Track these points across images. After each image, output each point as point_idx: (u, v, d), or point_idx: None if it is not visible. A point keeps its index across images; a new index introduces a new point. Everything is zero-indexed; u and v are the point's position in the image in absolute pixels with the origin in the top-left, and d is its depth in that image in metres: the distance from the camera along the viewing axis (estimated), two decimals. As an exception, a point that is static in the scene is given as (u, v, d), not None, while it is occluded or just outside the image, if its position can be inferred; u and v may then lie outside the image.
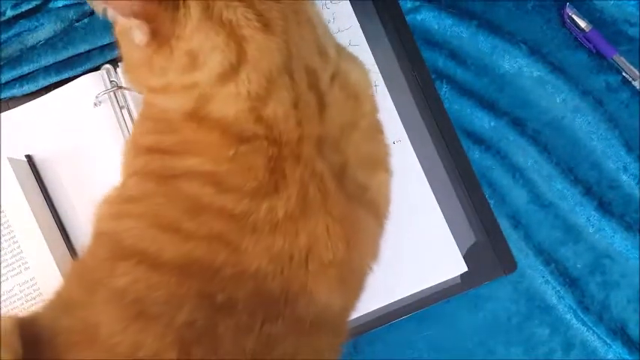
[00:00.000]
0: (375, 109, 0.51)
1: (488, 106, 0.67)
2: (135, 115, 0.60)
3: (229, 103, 0.42)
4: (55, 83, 0.62)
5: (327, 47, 0.46)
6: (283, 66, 0.42)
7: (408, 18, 0.66)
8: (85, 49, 0.63)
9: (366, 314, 0.58)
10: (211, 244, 0.41)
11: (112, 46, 0.63)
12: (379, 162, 0.50)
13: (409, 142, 0.62)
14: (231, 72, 0.41)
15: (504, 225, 0.63)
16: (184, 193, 0.43)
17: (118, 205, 0.47)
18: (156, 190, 0.44)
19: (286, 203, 0.42)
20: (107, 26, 0.63)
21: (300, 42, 0.43)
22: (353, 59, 0.51)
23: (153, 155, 0.46)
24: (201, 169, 0.43)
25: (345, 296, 0.46)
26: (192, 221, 0.42)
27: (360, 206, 0.46)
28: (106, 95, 0.60)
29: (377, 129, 0.51)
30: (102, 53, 0.63)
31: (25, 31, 0.64)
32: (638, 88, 0.67)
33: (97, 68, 0.62)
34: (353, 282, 0.47)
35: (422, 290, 0.60)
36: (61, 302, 0.45)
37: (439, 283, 0.60)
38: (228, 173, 0.42)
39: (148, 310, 0.40)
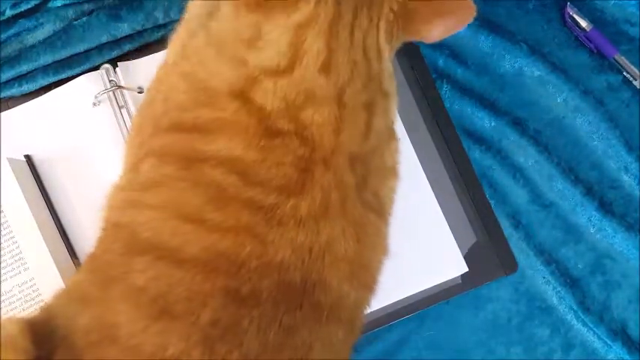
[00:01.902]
0: (395, 119, 0.52)
1: (489, 105, 0.66)
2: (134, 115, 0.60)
3: (267, 96, 0.43)
4: (54, 83, 0.62)
5: (386, 85, 0.47)
6: (331, 97, 0.43)
7: (408, 17, 0.66)
8: (84, 49, 0.63)
9: (366, 314, 0.58)
10: (238, 236, 0.41)
11: (111, 45, 0.63)
12: (391, 169, 0.50)
13: (409, 142, 0.62)
14: (274, 72, 0.42)
15: (505, 225, 0.63)
16: (208, 179, 0.42)
17: (133, 192, 0.46)
18: (176, 175, 0.43)
19: (310, 204, 0.42)
20: (106, 25, 0.63)
21: (358, 81, 0.44)
22: (396, 99, 0.51)
23: (180, 134, 0.45)
24: (229, 153, 0.42)
25: (358, 288, 0.46)
26: (218, 212, 0.41)
27: (372, 212, 0.47)
28: (105, 95, 0.60)
29: (394, 136, 0.51)
30: (100, 53, 0.63)
31: (25, 30, 0.63)
32: (638, 87, 0.67)
33: (96, 68, 0.62)
34: (364, 276, 0.47)
35: (422, 290, 0.60)
36: (75, 298, 0.44)
37: (440, 284, 0.60)
38: (256, 165, 0.42)
39: (171, 309, 0.40)
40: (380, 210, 0.48)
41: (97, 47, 0.63)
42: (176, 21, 0.63)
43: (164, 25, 0.64)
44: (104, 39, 0.63)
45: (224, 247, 0.41)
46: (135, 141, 0.52)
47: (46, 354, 0.40)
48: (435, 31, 0.46)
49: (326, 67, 0.42)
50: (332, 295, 0.43)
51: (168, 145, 0.45)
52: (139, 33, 0.63)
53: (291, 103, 0.42)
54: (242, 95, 0.43)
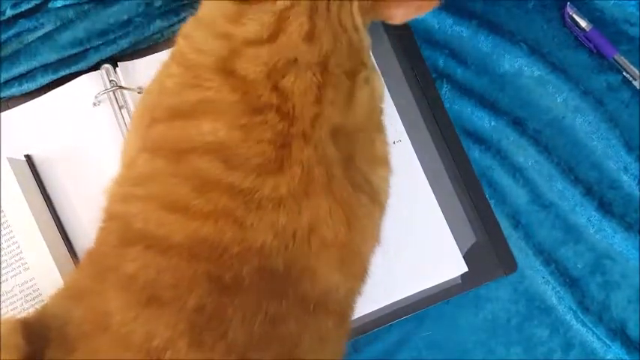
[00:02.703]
0: (383, 111, 0.52)
1: (489, 105, 0.66)
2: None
3: (250, 63, 0.44)
4: (55, 82, 0.62)
5: (365, 58, 0.49)
6: (314, 62, 0.44)
7: (408, 17, 0.66)
8: (83, 46, 0.63)
9: (366, 314, 0.58)
10: (218, 221, 0.41)
11: (108, 43, 0.63)
12: (381, 159, 0.50)
13: (409, 142, 0.62)
14: (258, 41, 0.44)
15: (504, 225, 0.63)
16: (195, 169, 0.43)
17: (126, 187, 0.47)
18: (166, 169, 0.44)
19: (290, 181, 0.42)
20: (101, 12, 0.63)
21: (342, 51, 0.46)
22: (378, 73, 0.54)
23: (170, 123, 0.46)
24: (214, 137, 0.43)
25: (348, 277, 0.46)
26: (200, 198, 0.42)
27: (363, 193, 0.46)
28: (105, 95, 0.60)
29: (383, 128, 0.52)
30: (97, 51, 0.63)
31: (25, 31, 0.63)
32: (638, 87, 0.67)
33: (95, 67, 0.62)
34: (354, 264, 0.47)
35: (422, 290, 0.60)
36: (72, 292, 0.45)
37: (439, 284, 0.60)
38: (238, 145, 0.42)
39: (159, 296, 0.40)
40: (373, 195, 0.48)
41: (94, 45, 0.63)
42: (170, 11, 0.64)
43: (158, 16, 0.64)
44: (102, 38, 0.63)
45: (205, 233, 0.41)
46: (132, 136, 0.53)
47: (41, 349, 0.41)
48: (399, 12, 0.49)
49: (309, 36, 0.44)
50: (320, 284, 0.43)
51: (160, 138, 0.46)
52: (135, 27, 0.63)
53: (273, 68, 0.43)
54: (225, 68, 0.44)
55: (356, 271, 0.47)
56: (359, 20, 0.47)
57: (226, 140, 0.43)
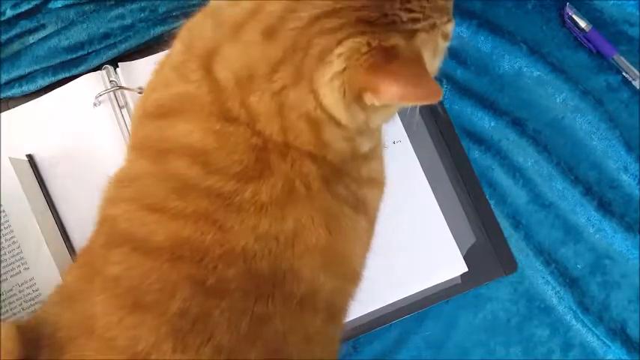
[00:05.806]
0: (379, 138, 0.50)
1: (489, 106, 0.67)
2: (135, 115, 0.60)
3: (222, 66, 0.42)
4: (55, 83, 0.62)
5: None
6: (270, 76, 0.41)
7: (408, 18, 0.66)
8: (84, 50, 0.63)
9: (366, 314, 0.58)
10: (198, 222, 0.41)
11: (110, 47, 0.63)
12: (375, 179, 0.50)
13: (409, 142, 0.62)
14: (234, 33, 0.41)
15: (504, 225, 0.63)
16: (174, 170, 0.43)
17: (117, 188, 0.47)
18: (147, 169, 0.44)
19: (271, 189, 0.42)
20: (104, 16, 0.63)
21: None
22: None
23: (155, 122, 0.45)
24: (189, 140, 0.42)
25: (334, 278, 0.45)
26: (180, 200, 0.42)
27: (346, 205, 0.46)
28: (105, 95, 0.60)
29: (374, 157, 0.50)
30: (98, 54, 0.63)
31: (26, 32, 0.64)
32: (638, 87, 0.67)
33: (96, 68, 0.62)
34: (341, 266, 0.47)
35: (422, 290, 0.60)
36: (63, 296, 0.45)
37: (439, 284, 0.60)
38: (215, 152, 0.42)
39: (142, 299, 0.40)
40: (357, 206, 0.47)
41: (95, 49, 0.63)
42: (172, 17, 0.64)
43: (160, 21, 0.64)
44: (101, 29, 0.63)
45: (187, 234, 0.41)
46: (133, 126, 0.54)
47: (35, 354, 0.41)
48: (392, 89, 0.38)
49: (270, 33, 0.40)
50: (305, 285, 0.43)
51: (145, 137, 0.46)
52: (136, 32, 0.64)
53: (239, 79, 0.41)
54: (206, 63, 0.43)
55: (344, 272, 0.47)
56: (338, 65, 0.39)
57: (202, 145, 0.42)
